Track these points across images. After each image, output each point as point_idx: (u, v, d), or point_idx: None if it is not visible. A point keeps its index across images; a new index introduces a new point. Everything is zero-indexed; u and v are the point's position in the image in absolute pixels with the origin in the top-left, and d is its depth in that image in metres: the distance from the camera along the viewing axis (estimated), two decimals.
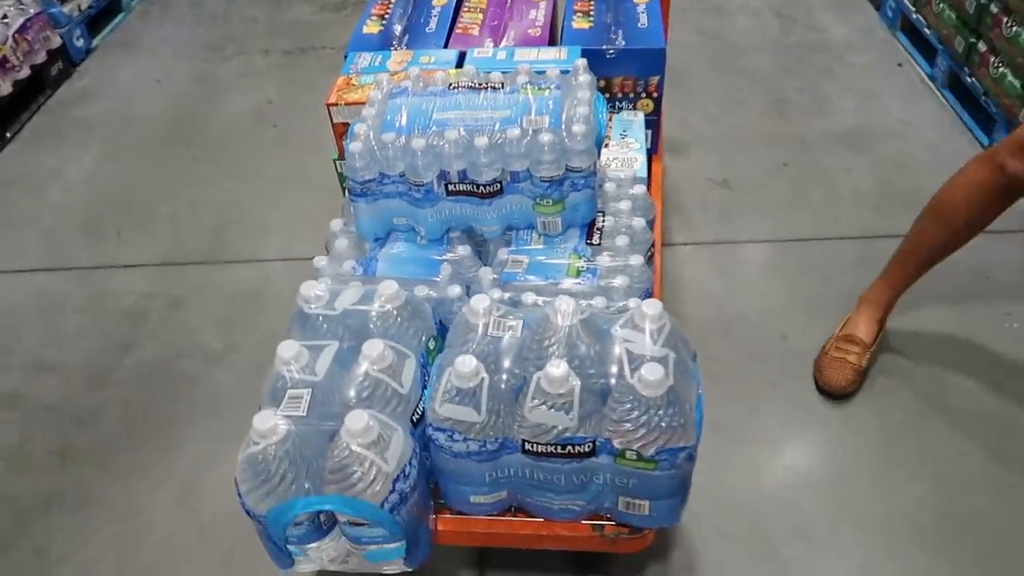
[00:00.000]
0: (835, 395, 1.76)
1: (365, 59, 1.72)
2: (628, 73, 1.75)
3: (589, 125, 1.31)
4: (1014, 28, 2.19)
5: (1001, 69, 2.26)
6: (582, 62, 1.50)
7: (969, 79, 2.44)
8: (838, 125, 2.52)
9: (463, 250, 1.36)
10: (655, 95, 1.79)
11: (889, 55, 2.85)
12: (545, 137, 1.27)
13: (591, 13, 1.85)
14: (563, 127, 1.30)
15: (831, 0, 3.24)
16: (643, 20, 1.81)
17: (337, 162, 1.71)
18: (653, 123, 1.83)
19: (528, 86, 1.40)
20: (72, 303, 2.13)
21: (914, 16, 2.78)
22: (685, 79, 2.77)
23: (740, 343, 1.85)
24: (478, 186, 1.31)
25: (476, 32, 1.83)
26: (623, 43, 1.73)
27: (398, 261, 1.36)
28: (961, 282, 1.97)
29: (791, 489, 1.59)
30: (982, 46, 2.36)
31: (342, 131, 1.62)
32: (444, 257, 1.36)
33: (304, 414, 1.01)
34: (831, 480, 1.61)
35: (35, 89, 2.99)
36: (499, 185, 1.32)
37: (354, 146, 1.31)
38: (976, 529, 1.50)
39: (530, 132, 1.29)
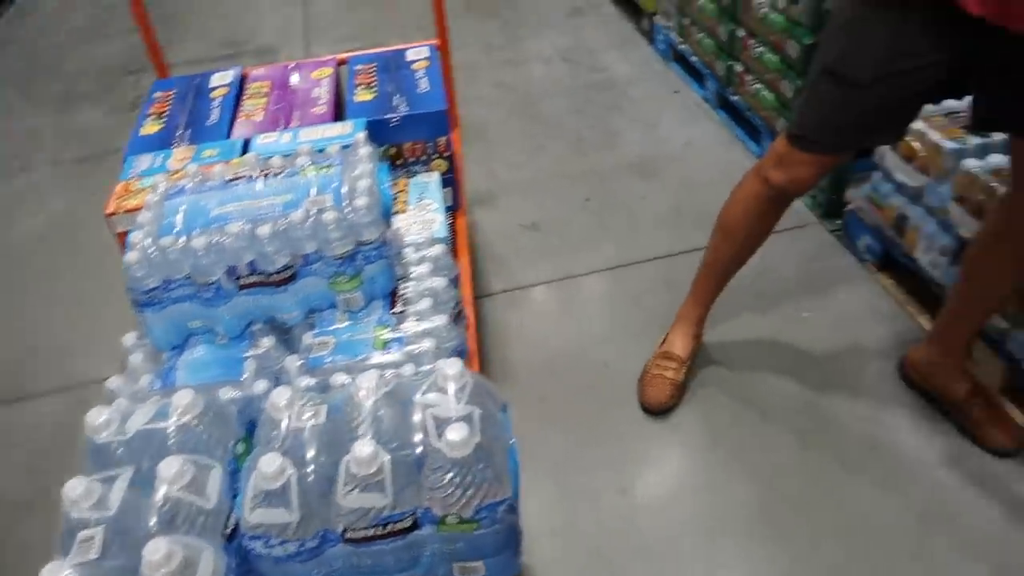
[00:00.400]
0: (655, 411, 1.84)
1: (145, 161, 1.67)
2: (416, 137, 1.80)
3: (372, 196, 1.33)
4: (759, 49, 2.45)
5: (756, 86, 2.51)
6: (361, 135, 1.53)
7: (734, 97, 2.69)
8: (629, 156, 2.70)
9: (267, 342, 1.33)
10: (446, 154, 1.84)
11: (666, 84, 3.10)
12: (329, 215, 1.28)
13: (373, 85, 1.89)
14: (346, 202, 1.32)
15: (611, 41, 3.48)
16: (423, 85, 1.87)
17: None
18: (450, 181, 1.88)
19: (308, 167, 1.41)
20: None
21: (681, 46, 3.04)
22: (487, 132, 2.88)
23: (568, 379, 1.92)
24: (269, 275, 1.30)
25: (260, 118, 1.83)
26: (406, 110, 1.78)
27: (199, 366, 1.31)
28: (759, 286, 2.14)
29: (631, 510, 1.65)
30: (739, 67, 2.62)
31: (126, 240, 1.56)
32: (248, 354, 1.33)
33: (97, 556, 0.95)
34: (666, 494, 1.68)
35: None
36: (291, 271, 1.31)
37: (131, 256, 1.26)
38: (800, 510, 1.61)
39: (313, 212, 1.30)
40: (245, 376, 1.27)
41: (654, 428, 1.81)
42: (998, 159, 1.72)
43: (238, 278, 1.30)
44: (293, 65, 2.01)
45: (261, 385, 1.24)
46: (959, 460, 1.67)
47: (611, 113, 2.95)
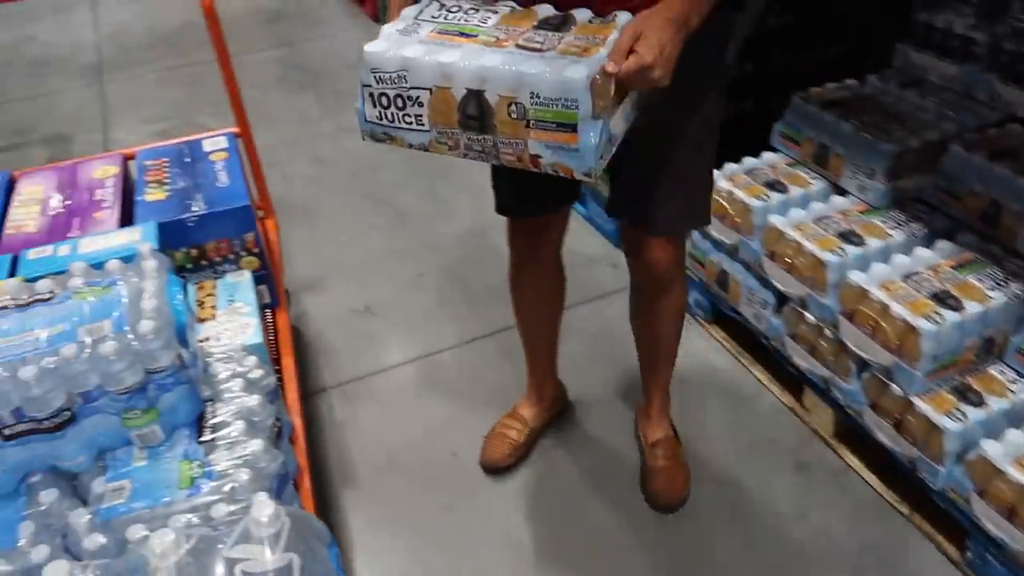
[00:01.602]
0: (492, 469, 1.80)
1: None
2: (220, 236, 1.66)
3: (161, 317, 1.18)
4: None
5: None
6: (147, 247, 1.37)
7: None
8: (461, 225, 2.66)
9: (47, 496, 1.14)
10: (256, 250, 1.71)
11: None
12: (108, 345, 1.12)
13: (165, 181, 1.74)
14: (128, 328, 1.16)
15: None
16: (223, 179, 1.74)
17: None
18: (265, 277, 1.75)
19: (83, 289, 1.24)
20: None
21: None
22: (310, 212, 2.75)
23: (412, 475, 1.81)
24: (41, 421, 1.12)
25: (33, 228, 1.62)
26: (204, 207, 1.64)
27: None
28: (600, 348, 2.14)
29: None
30: None
31: None
32: (24, 513, 1.13)
33: None
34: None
35: None
36: (69, 413, 1.13)
37: None
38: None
39: (90, 344, 1.13)
40: (21, 542, 1.07)
41: (510, 525, 1.72)
42: (799, 213, 1.81)
43: (2, 428, 1.10)
44: (71, 164, 1.81)
45: (42, 551, 1.04)
46: None
47: (438, 181, 2.91)
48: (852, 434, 1.79)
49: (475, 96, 1.09)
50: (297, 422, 1.54)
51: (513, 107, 1.08)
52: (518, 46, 1.12)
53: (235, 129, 1.94)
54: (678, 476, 1.75)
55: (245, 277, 1.67)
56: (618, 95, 1.11)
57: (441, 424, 1.94)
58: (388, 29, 1.20)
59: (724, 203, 1.93)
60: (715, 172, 1.87)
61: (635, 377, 1.86)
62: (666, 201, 1.45)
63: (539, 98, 1.06)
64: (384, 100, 1.16)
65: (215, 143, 1.86)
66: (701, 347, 2.12)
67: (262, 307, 1.66)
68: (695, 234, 2.11)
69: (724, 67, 1.46)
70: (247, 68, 3.98)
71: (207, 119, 3.53)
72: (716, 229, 1.98)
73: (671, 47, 1.10)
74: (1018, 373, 1.61)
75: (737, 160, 2.01)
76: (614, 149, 1.14)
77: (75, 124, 3.59)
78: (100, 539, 1.07)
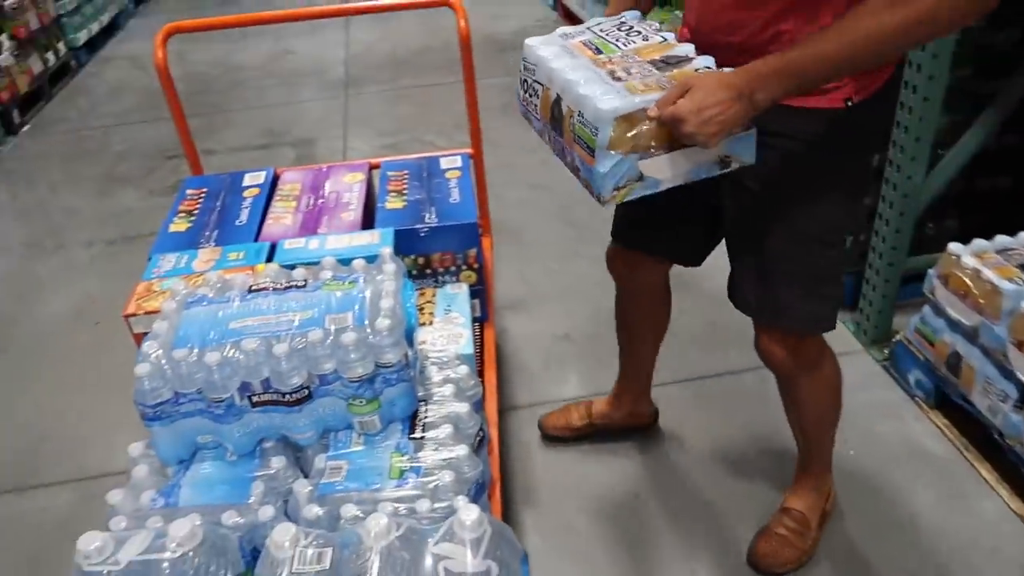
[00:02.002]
0: (542, 430, 1.92)
1: (169, 261, 1.64)
2: (445, 248, 1.76)
3: (395, 318, 1.27)
4: None
5: None
6: (387, 251, 1.48)
7: None
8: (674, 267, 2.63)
9: (277, 463, 1.26)
10: (475, 266, 1.79)
11: None
12: (349, 336, 1.22)
13: (404, 192, 1.87)
14: (367, 323, 1.26)
15: None
16: (455, 196, 1.84)
17: None
18: (479, 292, 1.83)
19: (331, 281, 1.36)
20: None
21: None
22: (521, 235, 2.85)
23: (592, 507, 1.81)
24: (284, 394, 1.23)
25: (289, 221, 1.80)
26: (436, 220, 1.74)
27: (205, 485, 1.24)
28: None
29: None
30: None
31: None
32: (256, 474, 1.25)
33: None
34: None
35: None
36: (307, 391, 1.24)
37: (141, 368, 1.21)
38: None
39: (333, 332, 1.24)
40: (251, 499, 1.19)
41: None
42: None
43: (251, 396, 1.23)
44: (325, 168, 2.00)
45: (267, 511, 1.15)
46: None
47: None
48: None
49: (558, 101, 1.26)
50: (494, 434, 1.59)
51: (572, 119, 1.22)
52: (610, 71, 1.24)
53: (469, 150, 2.05)
54: (790, 549, 1.65)
55: (463, 290, 1.76)
56: (668, 141, 1.15)
57: (626, 462, 1.92)
58: (562, 29, 1.41)
59: (968, 281, 1.77)
60: (959, 247, 1.74)
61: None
62: (767, 293, 1.39)
63: (582, 117, 1.19)
64: (525, 85, 1.40)
65: (451, 161, 1.97)
66: (918, 431, 1.95)
67: (473, 320, 1.74)
68: (926, 309, 1.95)
69: (862, 168, 1.39)
70: (481, 91, 4.22)
71: (433, 137, 3.77)
72: (954, 307, 1.82)
73: (716, 111, 1.09)
74: None
75: (988, 237, 1.84)
76: (649, 191, 1.18)
77: (320, 130, 3.97)
78: (317, 510, 1.16)
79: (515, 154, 3.51)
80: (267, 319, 1.26)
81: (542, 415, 2.00)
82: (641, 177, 1.16)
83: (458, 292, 1.75)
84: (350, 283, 1.34)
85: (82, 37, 5.24)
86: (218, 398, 1.22)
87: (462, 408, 1.36)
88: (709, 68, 1.20)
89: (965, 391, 1.84)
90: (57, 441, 2.14)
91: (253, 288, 1.35)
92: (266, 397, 1.24)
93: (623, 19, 1.39)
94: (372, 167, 2.03)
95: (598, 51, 1.31)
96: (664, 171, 1.16)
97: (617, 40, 1.33)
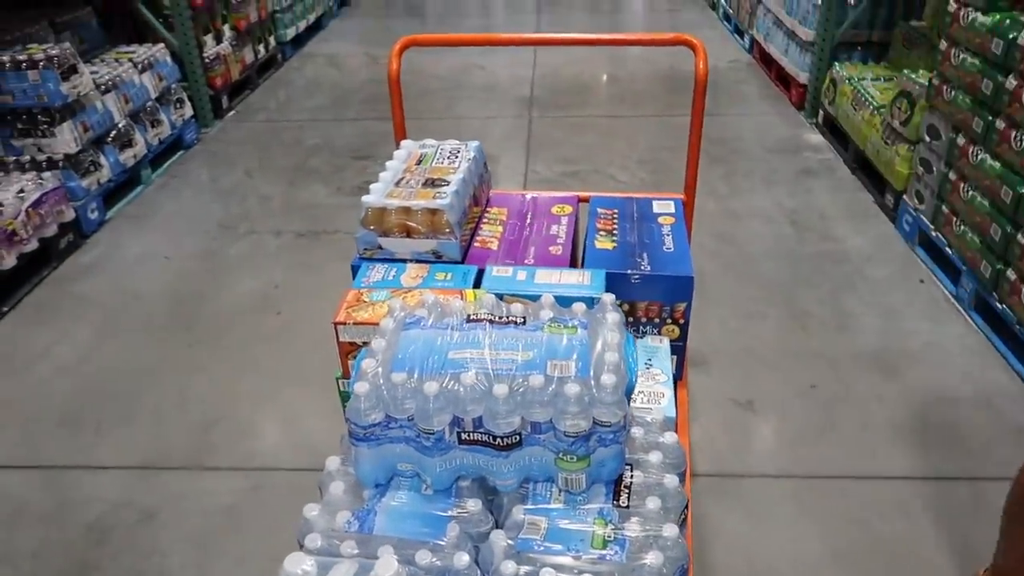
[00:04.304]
0: None
1: (378, 272, 1.64)
2: (653, 298, 1.67)
3: (620, 375, 1.19)
4: None
5: None
6: (609, 297, 1.40)
7: (999, 305, 2.37)
8: (864, 345, 2.43)
9: (473, 505, 1.20)
10: (681, 321, 1.69)
11: (909, 270, 2.82)
12: (572, 388, 1.15)
13: (615, 232, 1.79)
14: (591, 376, 1.18)
15: (845, 210, 3.26)
16: (668, 243, 1.75)
17: (340, 380, 1.59)
18: (679, 349, 1.73)
19: (552, 323, 1.29)
20: (34, 510, 1.93)
21: (933, 233, 2.77)
22: (702, 286, 2.70)
23: None
24: (495, 437, 1.18)
25: (495, 246, 1.77)
26: (648, 268, 1.65)
27: (399, 515, 1.20)
28: None
29: None
30: (1012, 274, 2.31)
31: (349, 350, 1.51)
32: (451, 513, 1.20)
33: None
34: None
35: (41, 261, 2.94)
36: (518, 437, 1.18)
37: (360, 387, 1.18)
38: None
39: (555, 380, 1.17)
40: (446, 540, 1.14)
41: None
42: None
43: (461, 432, 1.18)
44: (532, 196, 1.96)
45: (462, 559, 1.10)
46: None
47: (843, 290, 2.70)
48: None
49: None
50: (689, 511, 1.48)
51: None
52: (403, 176, 1.75)
53: (682, 196, 1.96)
54: None
55: (664, 344, 1.66)
56: (406, 230, 1.67)
57: (810, 558, 1.75)
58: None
59: None
60: None
61: None
62: None
63: None
64: None
65: (664, 206, 1.88)
66: None
67: None
68: None
69: None
70: (660, 130, 4.12)
71: (615, 171, 3.70)
72: None
73: None
74: None
75: None
76: (386, 257, 1.69)
77: (503, 149, 3.99)
78: (515, 567, 1.09)
79: (701, 198, 3.36)
80: (487, 354, 1.22)
81: None
82: (380, 247, 1.66)
83: (659, 346, 1.66)
84: (571, 327, 1.28)
85: (290, 33, 5.58)
86: (429, 429, 1.18)
87: (671, 482, 1.25)
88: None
89: None
90: (230, 425, 2.21)
91: (472, 317, 1.31)
92: (476, 436, 1.18)
93: (466, 146, 1.89)
94: (580, 200, 1.98)
95: (420, 160, 1.82)
96: (396, 248, 1.65)
97: (438, 157, 1.84)
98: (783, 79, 4.61)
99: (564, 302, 1.38)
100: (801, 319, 2.55)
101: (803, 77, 4.26)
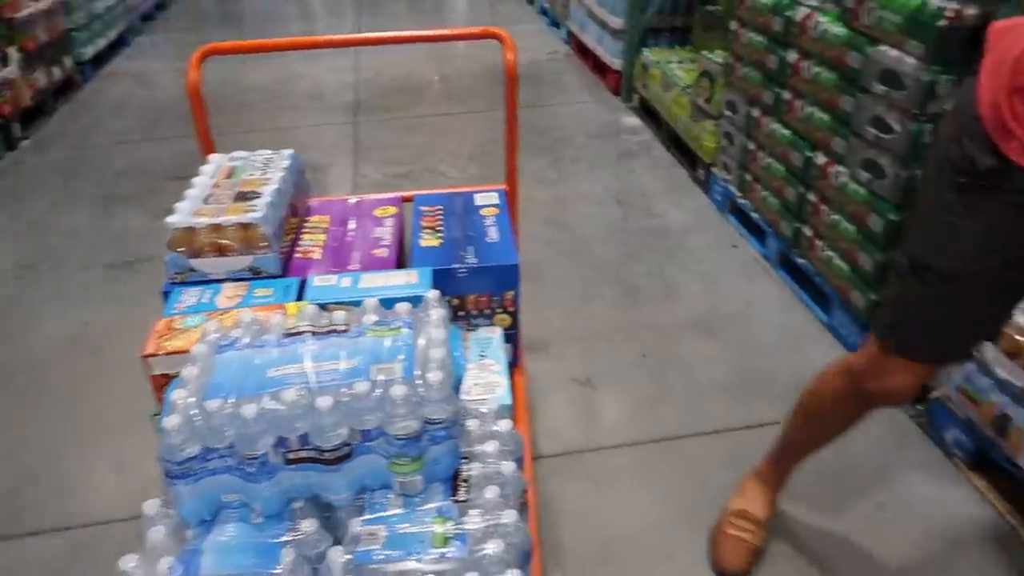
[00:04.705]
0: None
1: (191, 295, 1.55)
2: (482, 290, 1.68)
3: (446, 370, 1.19)
4: (833, 217, 2.36)
5: (828, 253, 2.40)
6: (433, 294, 1.40)
7: (800, 260, 2.58)
8: (689, 311, 2.57)
9: (308, 526, 1.15)
10: (511, 309, 1.72)
11: (723, 237, 3.01)
12: (398, 390, 1.13)
13: (439, 229, 1.79)
14: (418, 375, 1.17)
15: (664, 186, 3.44)
16: (493, 234, 1.77)
17: (155, 417, 1.49)
18: (512, 336, 1.75)
19: (375, 327, 1.27)
20: None
21: (740, 200, 2.98)
22: (538, 272, 2.77)
23: (626, 572, 1.71)
24: (324, 452, 1.14)
25: (318, 255, 1.72)
26: (475, 260, 1.66)
27: (227, 551, 1.13)
28: (832, 471, 1.96)
29: None
30: (807, 231, 2.52)
31: (163, 383, 1.41)
32: (285, 539, 1.15)
33: None
34: None
35: None
36: (348, 448, 1.15)
37: (170, 420, 1.11)
38: None
39: (380, 384, 1.15)
40: (281, 568, 1.09)
41: None
42: None
43: (287, 452, 1.14)
44: (355, 200, 1.92)
45: None
46: None
47: (667, 262, 2.85)
48: None
49: None
50: (531, 494, 1.50)
51: None
52: (211, 192, 1.72)
53: (504, 186, 1.98)
54: None
55: (497, 334, 1.68)
56: (217, 249, 1.59)
57: (657, 519, 1.83)
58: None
59: (1020, 339, 1.71)
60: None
61: (855, 512, 1.66)
62: None
63: None
64: None
65: (487, 198, 1.90)
66: (957, 494, 1.87)
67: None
68: (970, 368, 1.88)
69: None
70: (489, 125, 4.17)
71: (446, 168, 3.71)
72: (1004, 368, 1.76)
73: None
74: None
75: None
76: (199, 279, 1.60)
77: (330, 157, 3.90)
78: None
79: (530, 188, 3.43)
80: (308, 367, 1.18)
81: (714, 562, 1.72)
82: (192, 270, 1.57)
83: (492, 336, 1.68)
84: (395, 329, 1.26)
85: (89, 52, 5.17)
86: (252, 455, 1.13)
87: (508, 468, 1.26)
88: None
89: (1013, 454, 1.77)
90: (47, 482, 2.01)
91: (291, 332, 1.26)
92: (304, 454, 1.14)
93: (279, 155, 1.83)
94: (404, 200, 1.96)
95: (230, 174, 1.77)
96: (209, 268, 1.57)
97: (250, 169, 1.78)
98: (599, 67, 4.79)
99: (391, 304, 1.37)
100: (632, 294, 2.67)
101: (617, 64, 4.45)
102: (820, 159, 2.42)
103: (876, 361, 1.38)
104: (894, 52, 2.04)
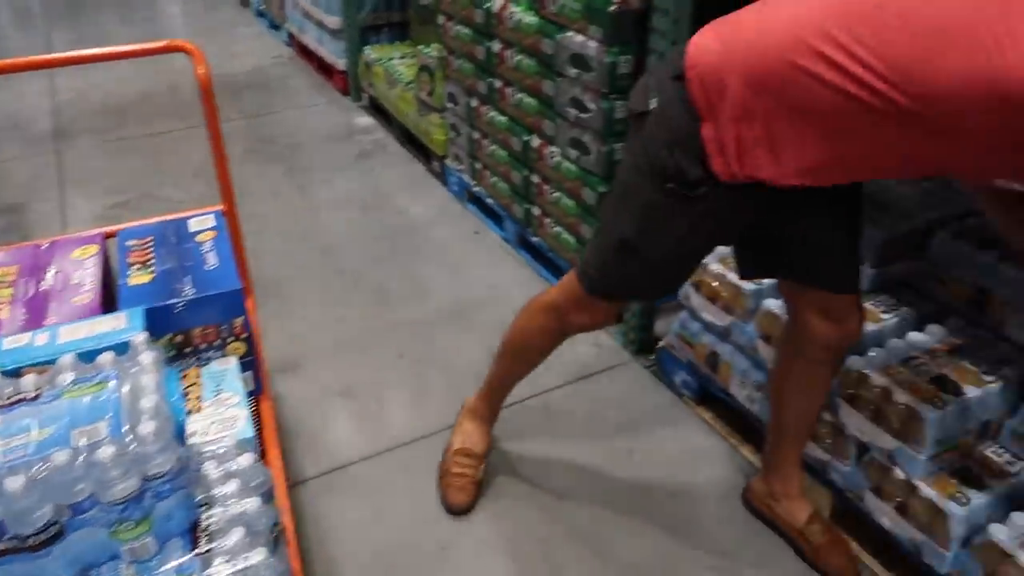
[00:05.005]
0: (461, 512, 1.84)
1: None
2: (207, 322, 1.58)
3: (162, 418, 1.10)
4: (555, 195, 2.52)
5: (556, 229, 2.56)
6: (141, 337, 1.29)
7: (534, 239, 2.73)
8: (439, 304, 2.62)
9: None
10: (244, 336, 1.64)
11: (465, 226, 3.10)
12: (106, 451, 1.03)
13: (150, 263, 1.66)
14: (127, 430, 1.08)
15: (404, 183, 3.46)
16: (211, 260, 1.67)
17: None
18: (250, 363, 1.67)
19: (73, 386, 1.15)
20: None
21: (476, 188, 3.08)
22: (282, 290, 2.68)
23: (404, 573, 1.72)
24: (26, 539, 1.02)
25: (6, 314, 1.52)
26: (193, 291, 1.56)
27: None
28: (584, 428, 2.11)
29: None
30: (536, 211, 2.67)
31: None
32: None
33: None
34: None
35: None
36: (56, 527, 1.03)
37: None
38: None
39: (84, 449, 1.05)
40: None
41: None
42: None
43: None
44: (47, 244, 1.72)
45: None
46: None
47: (414, 259, 2.87)
48: (850, 517, 1.78)
49: None
50: (288, 522, 1.45)
51: None
52: None
53: (221, 207, 1.88)
54: (846, 544, 1.73)
55: (232, 364, 1.59)
56: None
57: (429, 516, 1.85)
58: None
59: (716, 286, 1.94)
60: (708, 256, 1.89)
61: (605, 457, 1.84)
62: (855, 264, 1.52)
63: None
64: None
65: (201, 222, 1.79)
66: (690, 428, 2.10)
67: (247, 395, 1.59)
68: (683, 315, 2.11)
69: None
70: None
71: (170, 191, 3.45)
72: (708, 311, 1.98)
73: None
74: (1014, 455, 1.63)
75: None
76: None
77: (30, 193, 3.46)
78: None
79: (265, 201, 3.31)
80: None
81: (445, 501, 1.86)
82: None
83: (227, 368, 1.58)
84: (98, 384, 1.15)
85: None
86: None
87: (252, 504, 1.21)
88: None
89: (725, 385, 2.01)
90: None
91: None
92: (3, 546, 1.01)
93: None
94: (107, 236, 1.79)
95: None
96: None
97: None
98: (325, 68, 4.69)
99: (94, 357, 1.25)
100: (382, 296, 2.67)
101: (341, 64, 4.38)
102: (535, 142, 2.57)
103: (580, 300, 1.59)
104: (579, 37, 2.21)
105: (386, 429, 2.11)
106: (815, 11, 1.17)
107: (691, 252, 1.49)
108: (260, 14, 6.07)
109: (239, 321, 1.62)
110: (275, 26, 5.69)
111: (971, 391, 1.58)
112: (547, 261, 2.71)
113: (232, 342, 1.63)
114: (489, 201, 3.00)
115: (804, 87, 1.17)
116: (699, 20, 1.74)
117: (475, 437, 1.91)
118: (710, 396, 2.12)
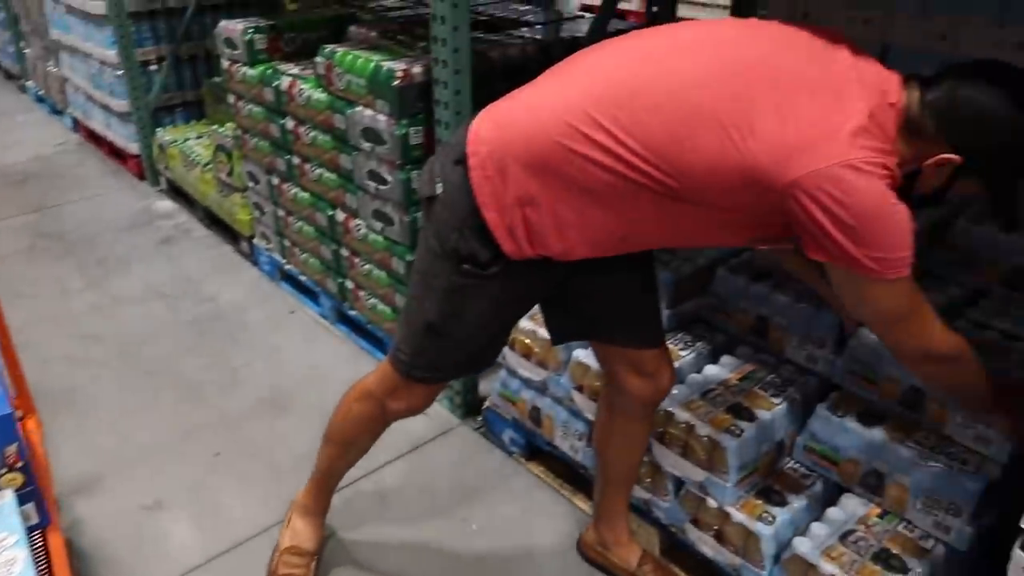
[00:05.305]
0: None
1: None
2: None
3: None
4: (366, 267, 2.49)
5: (371, 300, 2.53)
6: None
7: (351, 312, 2.68)
8: (257, 391, 2.50)
9: None
10: (20, 465, 1.47)
11: (280, 306, 2.99)
12: None
13: None
14: None
15: (212, 267, 3.30)
16: None
17: None
18: (31, 494, 1.51)
19: None
20: None
21: (287, 266, 2.99)
22: (75, 399, 2.45)
23: None
24: None
25: None
26: None
27: None
28: (421, 503, 2.06)
29: None
30: (350, 284, 2.63)
31: None
32: None
33: None
34: None
35: None
36: None
37: None
38: None
39: None
40: None
41: None
42: None
43: None
44: None
45: None
46: None
47: (227, 347, 2.73)
48: (678, 550, 1.85)
49: None
50: None
51: None
52: None
53: None
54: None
55: (7, 499, 1.42)
56: None
57: None
58: None
59: (528, 342, 1.99)
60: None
61: (444, 531, 1.82)
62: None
63: None
64: None
65: None
66: (524, 485, 2.11)
67: (29, 530, 1.42)
68: (502, 373, 2.14)
69: None
70: None
71: None
72: (524, 368, 2.02)
73: None
74: (808, 468, 1.76)
75: None
76: None
77: None
78: None
79: (53, 302, 3.04)
80: None
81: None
82: None
83: (1, 504, 1.42)
84: None
85: None
86: None
87: None
88: None
89: (550, 438, 2.05)
90: None
91: None
92: None
93: None
94: None
95: None
96: None
97: None
98: (117, 153, 4.43)
99: None
100: (194, 391, 2.50)
101: (134, 148, 4.15)
102: (340, 216, 2.54)
103: (397, 386, 1.58)
104: (368, 112, 2.23)
105: (207, 539, 1.96)
106: (579, 96, 1.26)
107: (498, 327, 1.52)
108: (39, 99, 5.66)
109: (12, 449, 1.46)
110: (57, 111, 5.32)
111: (763, 414, 1.70)
112: (367, 333, 2.66)
113: (7, 474, 1.47)
114: (302, 278, 2.92)
115: (577, 167, 1.25)
116: (482, 87, 1.82)
117: (305, 533, 1.82)
118: (538, 451, 2.15)
